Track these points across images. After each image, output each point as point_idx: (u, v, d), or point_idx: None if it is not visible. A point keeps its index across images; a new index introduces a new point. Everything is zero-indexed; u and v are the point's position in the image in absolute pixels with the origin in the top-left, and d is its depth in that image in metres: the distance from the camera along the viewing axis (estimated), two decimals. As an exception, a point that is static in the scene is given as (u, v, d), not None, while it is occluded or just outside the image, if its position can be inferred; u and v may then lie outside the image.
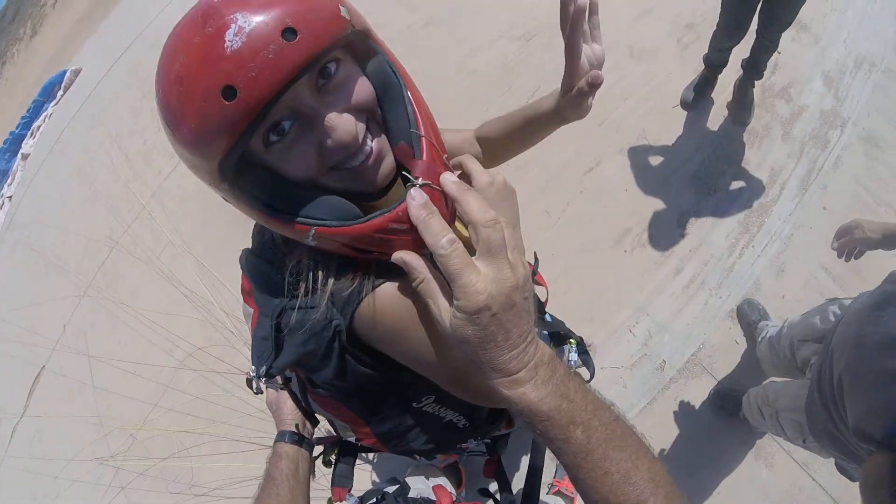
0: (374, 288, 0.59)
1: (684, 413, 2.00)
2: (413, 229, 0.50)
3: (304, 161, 0.53)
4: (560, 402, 0.48)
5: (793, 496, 1.87)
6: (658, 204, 2.21)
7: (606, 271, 2.09)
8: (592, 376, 1.14)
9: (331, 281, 0.60)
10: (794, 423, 1.35)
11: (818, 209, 2.29)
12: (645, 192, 2.22)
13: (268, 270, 0.68)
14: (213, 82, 0.44)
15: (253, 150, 0.52)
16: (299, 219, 0.53)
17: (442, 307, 0.49)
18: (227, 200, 0.58)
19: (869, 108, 2.57)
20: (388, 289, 0.60)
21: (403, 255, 0.52)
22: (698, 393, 2.02)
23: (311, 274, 0.61)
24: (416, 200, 0.50)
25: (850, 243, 1.33)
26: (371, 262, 0.61)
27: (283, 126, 0.50)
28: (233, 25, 0.43)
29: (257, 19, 0.44)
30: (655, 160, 2.28)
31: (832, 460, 1.30)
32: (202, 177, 0.54)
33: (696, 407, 2.00)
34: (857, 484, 1.20)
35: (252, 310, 0.75)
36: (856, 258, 1.35)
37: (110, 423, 2.71)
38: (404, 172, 0.54)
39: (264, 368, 0.68)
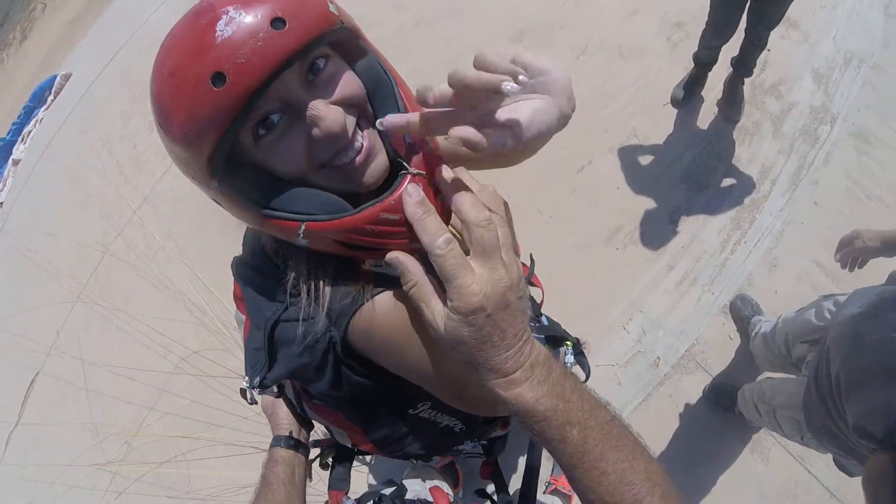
0: (368, 299, 0.59)
1: (679, 409, 2.01)
2: (407, 221, 0.51)
3: (293, 155, 0.53)
4: (556, 402, 0.48)
5: (789, 490, 1.88)
6: (649, 202, 2.22)
7: (599, 269, 2.10)
8: (588, 378, 1.15)
9: (327, 291, 0.59)
10: (792, 421, 1.36)
11: (809, 204, 2.31)
12: (636, 191, 2.23)
13: (259, 280, 0.67)
14: (204, 69, 0.45)
15: (243, 146, 0.52)
16: (288, 215, 0.53)
17: (436, 311, 0.49)
18: (217, 202, 0.57)
19: (858, 103, 2.58)
20: (384, 300, 0.59)
21: (398, 255, 0.52)
22: (693, 389, 2.03)
23: (306, 284, 0.60)
24: (413, 197, 0.50)
25: (852, 253, 1.36)
26: (368, 272, 0.61)
27: (271, 119, 0.50)
28: (224, 17, 0.45)
29: (248, 10, 0.46)
30: (646, 158, 2.29)
31: (829, 454, 1.31)
32: (193, 174, 0.54)
33: (691, 403, 2.02)
34: (852, 478, 1.22)
35: (245, 317, 0.74)
36: (859, 267, 1.38)
37: (106, 428, 2.69)
38: (398, 159, 0.54)
39: (258, 380, 0.68)
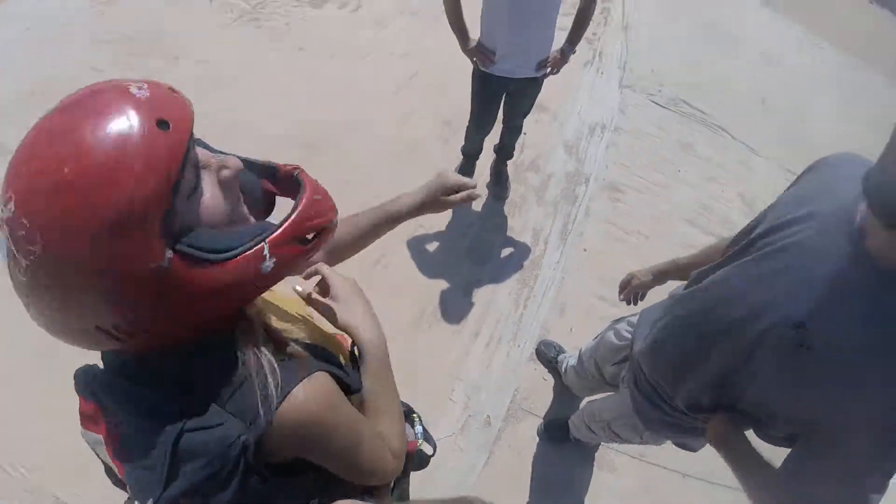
0: (288, 393, 0.61)
1: (523, 455, 2.15)
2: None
3: (219, 203, 0.58)
4: None
5: (645, 486, 2.08)
6: (443, 283, 2.46)
7: (412, 352, 2.26)
8: (435, 450, 1.17)
9: (270, 381, 0.60)
10: (627, 426, 1.50)
11: (580, 252, 2.72)
12: (430, 275, 2.47)
13: (143, 393, 0.62)
14: (147, 118, 0.48)
15: (179, 213, 0.53)
16: (248, 244, 0.56)
17: None
18: (162, 287, 0.52)
19: (606, 161, 3.16)
20: (307, 385, 0.63)
21: None
22: (528, 433, 2.20)
23: (214, 387, 0.60)
24: None
25: (632, 291, 1.59)
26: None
27: (195, 180, 0.56)
28: (131, 86, 0.51)
29: (145, 82, 0.53)
30: (433, 245, 2.57)
31: (667, 443, 1.50)
32: (141, 251, 0.49)
33: (532, 447, 2.18)
34: (692, 453, 1.41)
35: (99, 436, 0.69)
36: (641, 300, 1.61)
37: None
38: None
39: (151, 502, 0.61)
